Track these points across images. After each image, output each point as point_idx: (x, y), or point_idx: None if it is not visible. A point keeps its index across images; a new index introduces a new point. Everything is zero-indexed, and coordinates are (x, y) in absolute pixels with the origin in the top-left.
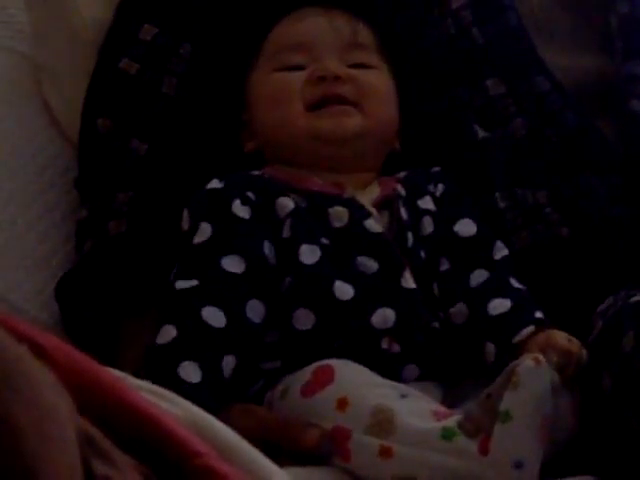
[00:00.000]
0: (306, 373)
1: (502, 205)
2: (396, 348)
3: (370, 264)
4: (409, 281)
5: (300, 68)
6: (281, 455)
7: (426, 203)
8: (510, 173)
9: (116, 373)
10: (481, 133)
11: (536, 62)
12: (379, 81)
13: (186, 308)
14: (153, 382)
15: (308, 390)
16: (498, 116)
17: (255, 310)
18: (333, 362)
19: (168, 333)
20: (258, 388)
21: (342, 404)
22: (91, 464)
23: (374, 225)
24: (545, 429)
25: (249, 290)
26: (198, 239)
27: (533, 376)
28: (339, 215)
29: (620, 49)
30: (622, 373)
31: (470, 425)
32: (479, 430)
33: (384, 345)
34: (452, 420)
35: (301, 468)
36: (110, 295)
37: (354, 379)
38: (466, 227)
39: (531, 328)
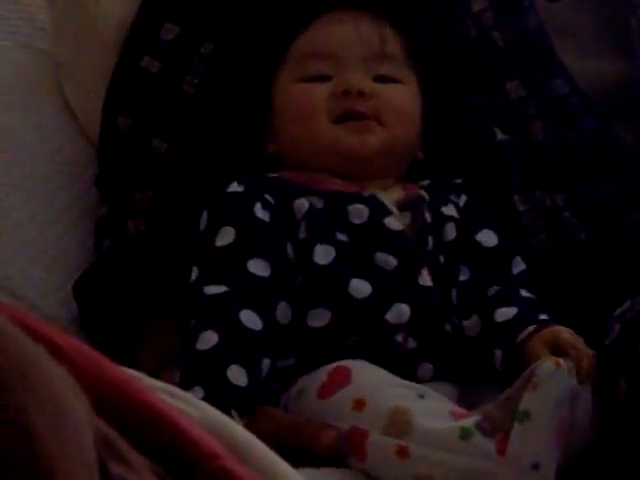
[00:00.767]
0: (322, 374)
1: (521, 208)
2: (411, 344)
3: (389, 260)
4: (426, 279)
5: (326, 78)
6: (297, 457)
7: (450, 210)
8: (528, 176)
9: (132, 373)
10: (500, 135)
11: (556, 65)
12: (403, 97)
13: (223, 313)
14: (202, 386)
15: (324, 391)
16: (517, 119)
17: (283, 312)
18: (349, 363)
19: (209, 339)
20: (273, 390)
21: (359, 405)
22: (107, 465)
23: (394, 223)
24: (562, 432)
25: (277, 293)
26: (221, 242)
27: (552, 378)
28: (359, 212)
29: (639, 53)
30: (638, 378)
31: (488, 425)
32: (497, 430)
33: (399, 339)
34: (470, 420)
35: (317, 470)
36: (128, 294)
37: (371, 380)
38: (488, 237)
39: (533, 326)
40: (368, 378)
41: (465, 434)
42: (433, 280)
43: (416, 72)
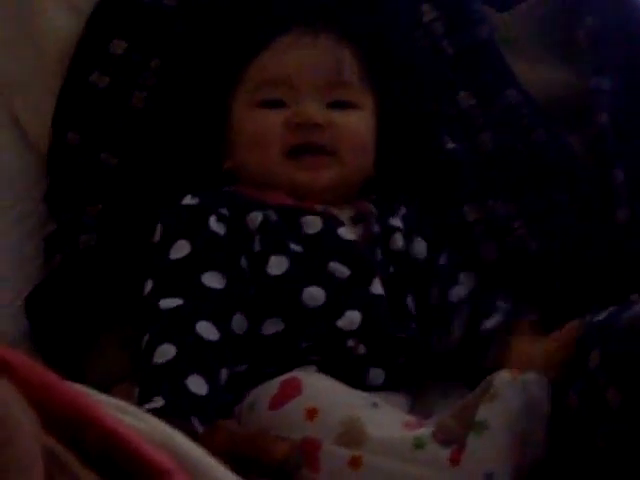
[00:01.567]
0: (273, 386)
1: (470, 218)
2: (362, 349)
3: (342, 270)
4: (378, 288)
5: (280, 104)
6: (250, 469)
7: (396, 221)
8: (480, 186)
9: (82, 389)
10: (450, 145)
11: (507, 75)
12: (359, 125)
13: (179, 326)
14: (162, 396)
15: (276, 403)
16: (467, 129)
17: (239, 323)
18: (300, 374)
19: (167, 352)
20: (227, 402)
21: (311, 414)
22: None
23: (347, 233)
24: (517, 444)
25: (232, 305)
26: (175, 255)
27: (510, 390)
28: (312, 223)
29: (588, 63)
30: (587, 391)
31: (443, 435)
32: (452, 440)
33: (349, 344)
34: (425, 430)
35: None
36: (80, 309)
37: (322, 389)
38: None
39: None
40: (319, 388)
41: (419, 443)
42: (385, 289)
43: (373, 93)
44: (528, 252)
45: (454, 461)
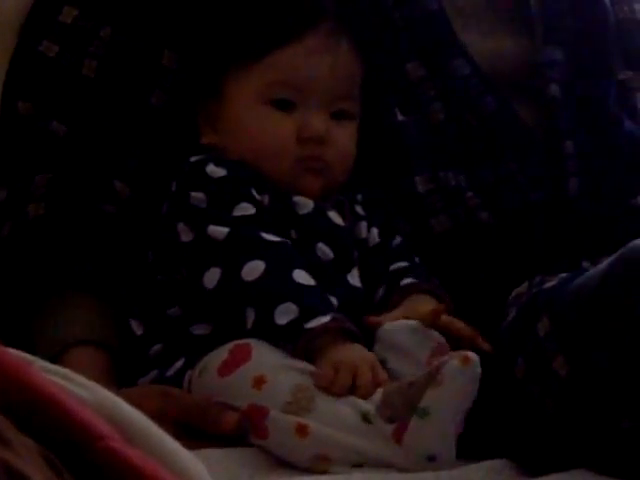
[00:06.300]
0: (223, 351)
1: (421, 189)
2: None
3: (327, 252)
4: (355, 279)
5: (290, 104)
6: (198, 436)
7: (360, 209)
8: (430, 157)
9: (20, 355)
10: (400, 117)
11: (456, 46)
12: (351, 139)
13: (250, 236)
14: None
15: (225, 369)
16: (417, 100)
17: None
18: (251, 341)
19: (256, 269)
20: (179, 368)
21: (258, 382)
22: None
23: (336, 217)
24: (461, 423)
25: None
26: (240, 213)
27: (457, 376)
28: (304, 202)
29: (540, 33)
30: (536, 357)
31: (388, 411)
32: (396, 418)
33: None
34: (371, 404)
35: (218, 450)
36: (29, 278)
37: (271, 358)
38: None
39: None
40: (268, 356)
41: (366, 417)
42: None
43: (361, 97)
44: (479, 223)
45: (397, 439)
